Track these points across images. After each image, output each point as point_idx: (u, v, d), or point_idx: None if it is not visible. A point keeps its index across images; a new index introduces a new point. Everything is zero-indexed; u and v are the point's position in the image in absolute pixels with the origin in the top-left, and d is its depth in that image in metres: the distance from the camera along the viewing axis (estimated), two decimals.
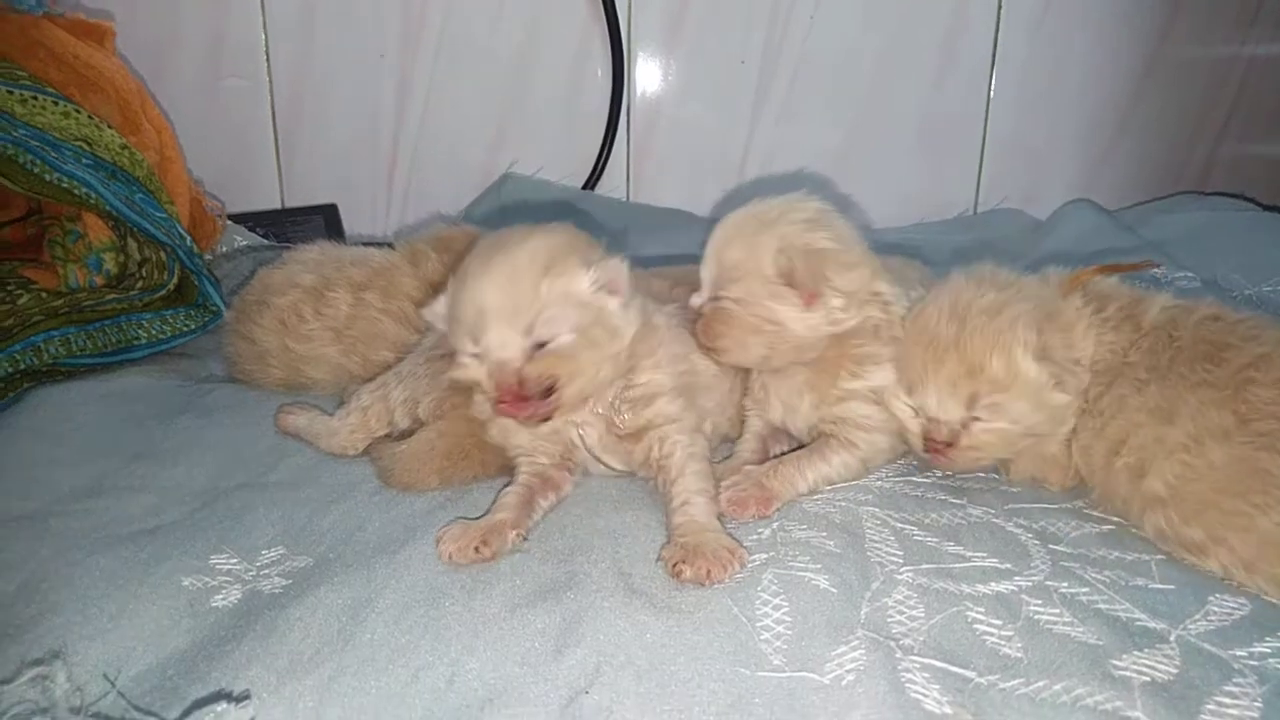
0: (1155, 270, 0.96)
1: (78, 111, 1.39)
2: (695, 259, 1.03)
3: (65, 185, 1.28)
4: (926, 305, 0.94)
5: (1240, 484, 0.77)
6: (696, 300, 0.99)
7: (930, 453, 0.93)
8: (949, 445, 0.91)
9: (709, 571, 0.77)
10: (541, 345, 0.85)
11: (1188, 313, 0.90)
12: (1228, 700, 0.62)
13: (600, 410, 0.93)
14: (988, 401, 0.89)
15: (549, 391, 0.85)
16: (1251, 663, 0.66)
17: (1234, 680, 0.64)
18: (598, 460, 0.95)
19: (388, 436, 1.03)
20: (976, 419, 0.90)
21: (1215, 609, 0.74)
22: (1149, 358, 0.88)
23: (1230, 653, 0.68)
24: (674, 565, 0.78)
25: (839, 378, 0.97)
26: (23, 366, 1.17)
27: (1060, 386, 0.88)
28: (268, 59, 1.97)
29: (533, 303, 0.84)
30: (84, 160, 1.35)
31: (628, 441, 0.93)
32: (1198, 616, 0.73)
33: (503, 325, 0.84)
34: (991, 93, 2.06)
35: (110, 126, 1.42)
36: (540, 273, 0.85)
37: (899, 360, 0.95)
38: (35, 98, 1.35)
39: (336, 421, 1.05)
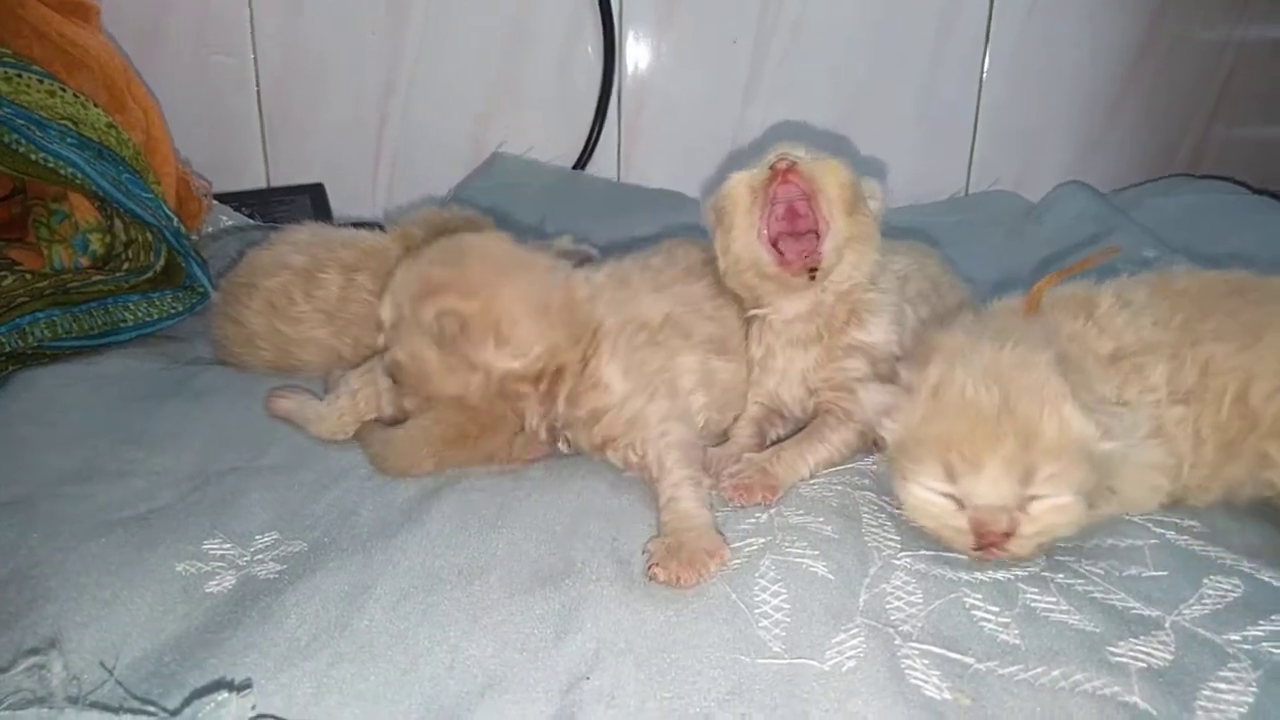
0: (1115, 255, 0.93)
1: (63, 90, 1.36)
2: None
3: (51, 165, 1.26)
4: (953, 373, 0.78)
5: None
6: None
7: (984, 549, 0.76)
8: (1008, 536, 0.76)
9: (679, 577, 0.75)
10: None
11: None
12: (1223, 685, 0.63)
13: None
14: (1047, 474, 0.75)
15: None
16: (1246, 647, 0.67)
17: (1229, 665, 0.65)
18: None
19: (375, 422, 1.03)
20: (1035, 497, 0.76)
21: (1209, 592, 0.74)
22: (1201, 304, 0.89)
23: (1224, 637, 0.68)
24: (649, 568, 0.77)
25: (844, 332, 0.98)
26: (7, 349, 1.15)
27: (1108, 434, 0.77)
28: (253, 36, 1.94)
29: None
30: (70, 139, 1.32)
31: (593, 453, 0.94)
32: (1191, 601, 0.73)
33: None
34: (984, 75, 2.05)
35: (96, 105, 1.40)
36: None
37: (924, 444, 0.78)
38: (20, 75, 1.32)
39: (325, 406, 1.04)
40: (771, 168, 0.93)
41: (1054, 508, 0.75)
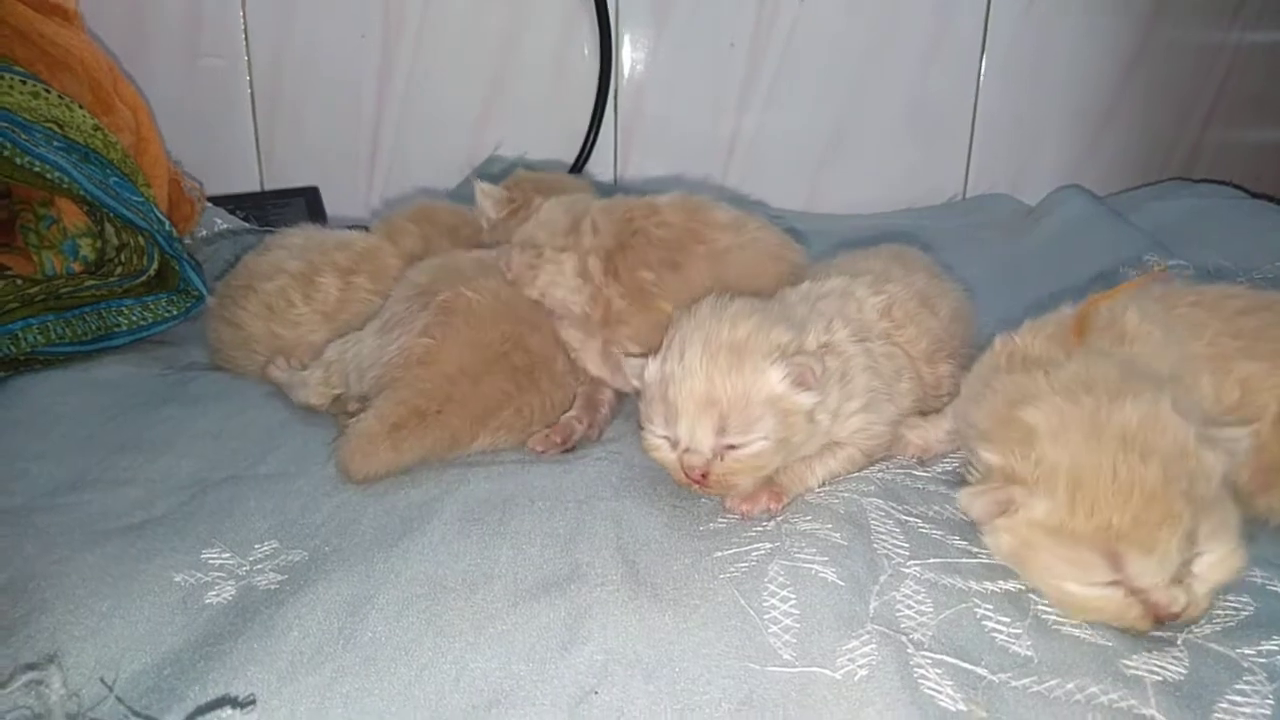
0: (1159, 269, 0.91)
1: (47, 91, 1.34)
2: None
3: (37, 169, 1.24)
4: (1093, 455, 0.71)
5: None
6: None
7: (1160, 623, 0.70)
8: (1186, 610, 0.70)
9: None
10: None
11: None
12: (1239, 699, 0.62)
13: None
14: (1207, 531, 0.70)
15: None
16: (1260, 660, 0.66)
17: (1244, 679, 0.64)
18: None
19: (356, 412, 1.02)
20: (1197, 555, 0.71)
21: (1219, 610, 0.73)
22: (1223, 322, 0.88)
23: (1238, 651, 0.68)
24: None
25: None
26: (0, 355, 1.13)
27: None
28: (246, 38, 1.93)
29: None
30: (56, 142, 1.30)
31: None
32: (1203, 621, 0.72)
33: None
34: (981, 78, 2.05)
35: (81, 107, 1.38)
36: None
37: (1079, 539, 0.71)
38: (2, 76, 1.30)
39: (306, 374, 1.08)
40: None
41: (1220, 560, 0.70)
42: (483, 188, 1.25)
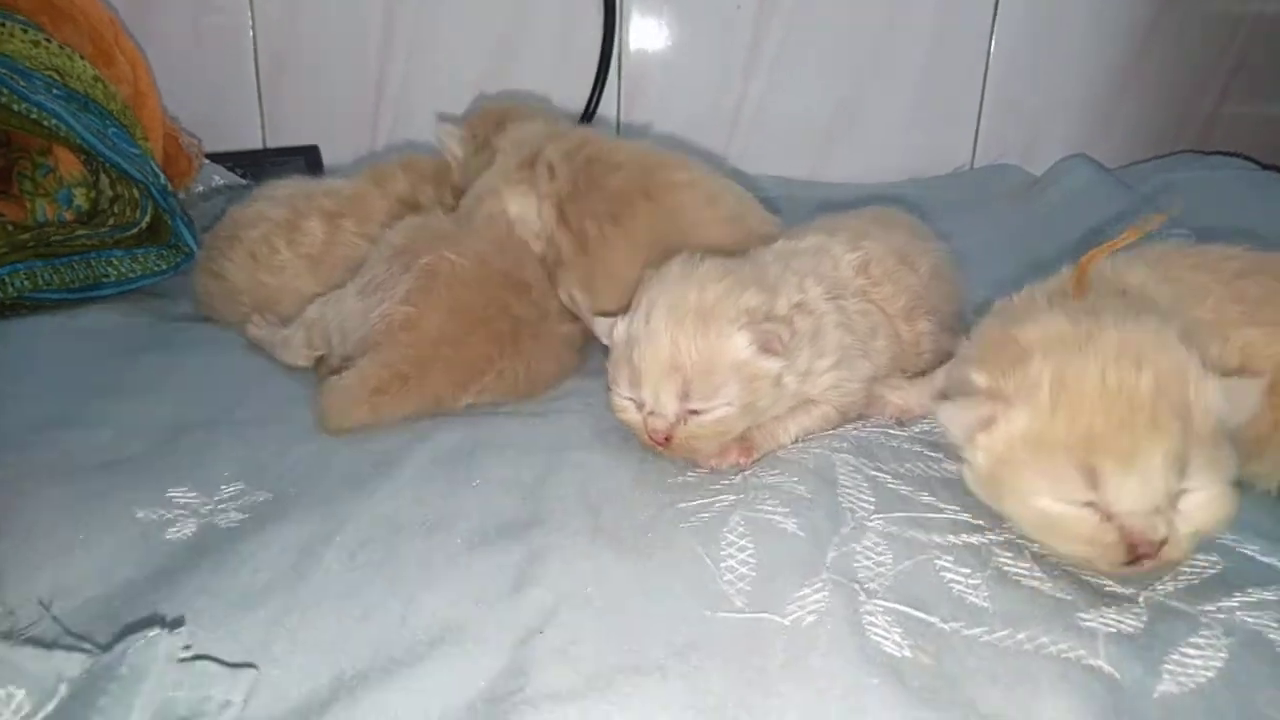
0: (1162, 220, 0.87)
1: (48, 40, 1.35)
2: None
3: (35, 116, 1.24)
4: (1080, 361, 0.68)
5: None
6: None
7: (1136, 561, 0.66)
8: (1165, 542, 0.66)
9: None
10: None
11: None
12: (1192, 651, 0.61)
13: None
14: (1199, 463, 0.67)
15: None
16: (1220, 616, 0.65)
17: (1200, 633, 0.63)
18: None
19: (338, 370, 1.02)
20: (1185, 492, 0.67)
21: (1185, 568, 0.71)
22: (1223, 283, 0.85)
23: (1198, 608, 0.66)
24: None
25: None
26: None
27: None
28: None
29: None
30: (55, 91, 1.31)
31: None
32: (1167, 578, 0.70)
33: None
34: (992, 48, 2.01)
35: (82, 57, 1.38)
36: None
37: (1055, 450, 0.67)
38: (3, 24, 1.30)
39: (289, 331, 1.08)
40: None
41: (1208, 500, 0.66)
42: (444, 128, 1.25)
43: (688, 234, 1.03)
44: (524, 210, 1.10)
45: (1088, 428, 0.66)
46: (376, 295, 1.01)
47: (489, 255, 1.04)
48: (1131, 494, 0.65)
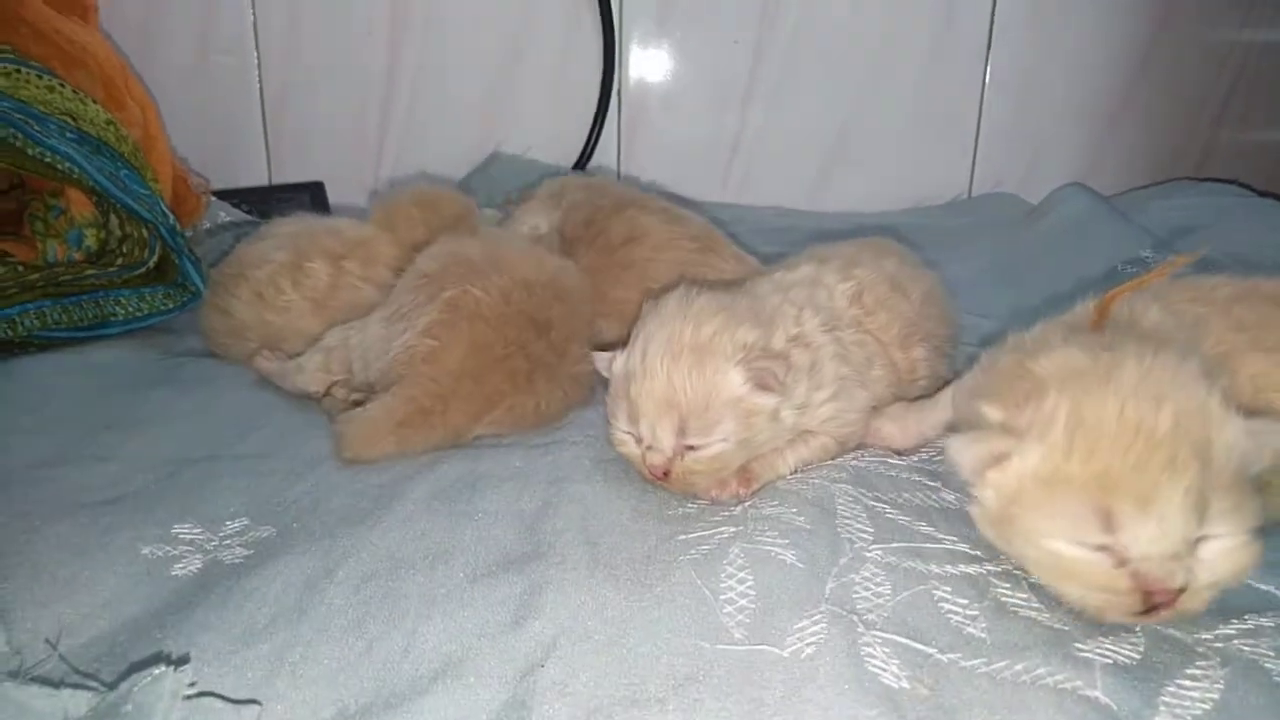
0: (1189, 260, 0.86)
1: (62, 86, 1.37)
2: None
3: (48, 160, 1.26)
4: (1099, 397, 0.65)
5: None
6: None
7: (1151, 611, 0.63)
8: (1182, 591, 0.63)
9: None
10: None
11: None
12: (1189, 682, 0.61)
13: None
14: (1220, 509, 0.63)
15: None
16: (1216, 645, 0.65)
17: (1196, 663, 0.63)
18: None
19: (354, 403, 1.02)
20: (1205, 539, 0.64)
21: None
22: (1223, 312, 0.85)
23: (1195, 636, 0.66)
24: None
25: None
26: None
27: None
28: (256, 36, 1.96)
29: None
30: (69, 134, 1.33)
31: None
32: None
33: None
34: (987, 76, 2.04)
35: (95, 101, 1.41)
36: None
37: (1070, 489, 0.64)
38: (18, 70, 1.33)
39: (304, 359, 1.09)
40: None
41: (1229, 549, 0.63)
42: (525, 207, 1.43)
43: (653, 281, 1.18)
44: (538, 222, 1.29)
45: (1104, 466, 0.62)
46: (400, 325, 1.02)
47: (513, 293, 1.03)
48: (1149, 537, 0.61)
